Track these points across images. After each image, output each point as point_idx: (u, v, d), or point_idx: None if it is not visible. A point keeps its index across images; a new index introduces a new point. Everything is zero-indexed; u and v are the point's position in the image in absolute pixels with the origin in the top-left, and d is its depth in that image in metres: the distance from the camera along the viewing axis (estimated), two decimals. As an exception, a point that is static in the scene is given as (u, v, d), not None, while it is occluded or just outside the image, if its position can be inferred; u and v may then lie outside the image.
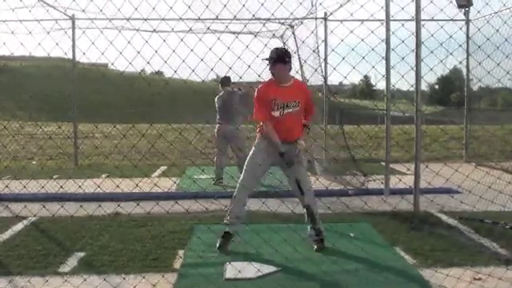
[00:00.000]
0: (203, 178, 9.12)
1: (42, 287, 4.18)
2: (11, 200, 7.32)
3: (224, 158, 9.08)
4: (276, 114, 4.98)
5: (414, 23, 6.00)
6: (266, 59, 4.99)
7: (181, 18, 4.76)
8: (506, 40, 5.54)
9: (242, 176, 5.24)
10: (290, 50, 5.26)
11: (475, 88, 11.74)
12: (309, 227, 5.27)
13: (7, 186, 6.47)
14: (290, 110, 4.99)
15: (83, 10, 5.24)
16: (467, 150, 11.50)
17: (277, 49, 5.07)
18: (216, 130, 8.96)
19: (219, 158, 9.00)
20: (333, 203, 6.37)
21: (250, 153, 5.26)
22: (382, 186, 7.65)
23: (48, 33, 8.56)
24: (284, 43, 11.02)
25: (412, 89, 6.02)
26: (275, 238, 5.18)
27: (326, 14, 10.62)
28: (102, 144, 12.81)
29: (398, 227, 5.98)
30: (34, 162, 11.78)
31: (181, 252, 5.13)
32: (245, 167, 5.24)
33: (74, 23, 11.08)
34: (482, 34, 8.74)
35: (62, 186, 5.90)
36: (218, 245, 5.15)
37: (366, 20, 5.27)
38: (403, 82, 5.18)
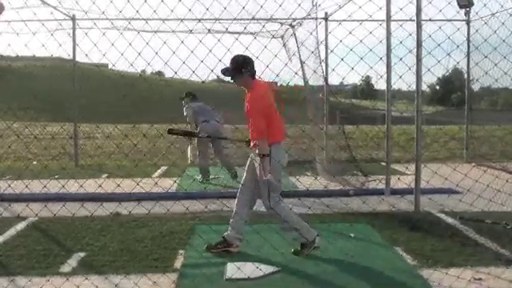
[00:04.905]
0: (204, 178, 9.14)
1: (42, 287, 4.18)
2: (12, 200, 7.32)
3: (207, 158, 9.37)
4: (277, 115, 4.99)
5: (413, 24, 6.01)
6: (224, 71, 4.86)
7: (181, 19, 4.77)
8: (504, 41, 5.53)
9: (273, 186, 4.85)
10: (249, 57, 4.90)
11: (476, 88, 11.75)
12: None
13: (10, 186, 6.47)
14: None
15: (86, 13, 5.25)
16: (468, 151, 11.50)
17: (233, 58, 4.82)
18: (200, 130, 8.92)
19: (202, 158, 9.25)
20: (333, 203, 6.37)
21: (273, 164, 4.84)
22: (383, 186, 7.65)
23: (52, 34, 8.58)
24: (284, 44, 11.02)
25: (412, 89, 6.03)
26: (275, 238, 5.18)
27: (326, 14, 10.63)
28: (102, 144, 12.82)
29: (398, 227, 5.98)
30: (35, 163, 11.79)
31: (181, 252, 5.13)
32: (275, 178, 4.85)
33: (74, 24, 11.08)
34: (481, 35, 8.76)
35: (63, 186, 5.90)
36: (209, 245, 5.11)
37: (366, 20, 5.27)
38: (404, 82, 5.18)
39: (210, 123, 8.97)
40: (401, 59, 5.00)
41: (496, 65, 5.89)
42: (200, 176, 9.26)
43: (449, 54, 4.69)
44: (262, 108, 4.79)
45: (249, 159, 5.16)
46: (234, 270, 4.49)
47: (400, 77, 5.07)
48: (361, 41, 4.68)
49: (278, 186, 4.89)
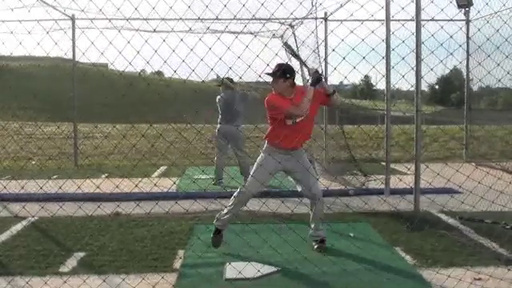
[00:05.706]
0: (203, 178, 9.12)
1: (41, 287, 4.17)
2: (11, 200, 7.32)
3: (224, 158, 9.06)
4: (289, 122, 4.94)
5: (414, 23, 6.00)
6: (268, 74, 4.99)
7: (181, 18, 4.75)
8: (506, 40, 5.52)
9: (248, 181, 5.13)
10: (292, 66, 5.17)
11: (475, 88, 11.74)
12: (312, 225, 5.24)
13: (5, 187, 6.47)
14: (302, 117, 4.94)
15: (83, 10, 5.23)
16: (467, 150, 11.49)
17: (279, 64, 5.02)
18: (216, 130, 8.95)
19: (219, 158, 8.99)
20: (333, 203, 6.36)
21: (258, 159, 5.14)
22: (383, 186, 7.64)
23: (47, 32, 8.54)
24: (284, 43, 11.00)
25: (412, 89, 6.02)
26: (275, 238, 5.17)
27: (326, 13, 10.63)
28: (101, 144, 12.81)
29: (397, 227, 5.97)
30: (34, 162, 11.77)
31: (181, 252, 5.13)
32: (252, 173, 5.12)
33: (73, 23, 11.07)
34: (482, 34, 8.76)
35: (60, 187, 5.89)
36: (212, 243, 5.19)
37: (366, 20, 5.26)
38: (403, 82, 5.18)
39: (225, 125, 8.74)
40: (403, 58, 4.98)
41: (499, 64, 5.88)
42: (215, 176, 9.04)
43: (451, 54, 4.67)
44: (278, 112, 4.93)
45: (270, 164, 5.01)
46: (233, 270, 4.48)
47: (403, 76, 5.05)
48: (363, 40, 4.66)
49: (255, 180, 5.03)
